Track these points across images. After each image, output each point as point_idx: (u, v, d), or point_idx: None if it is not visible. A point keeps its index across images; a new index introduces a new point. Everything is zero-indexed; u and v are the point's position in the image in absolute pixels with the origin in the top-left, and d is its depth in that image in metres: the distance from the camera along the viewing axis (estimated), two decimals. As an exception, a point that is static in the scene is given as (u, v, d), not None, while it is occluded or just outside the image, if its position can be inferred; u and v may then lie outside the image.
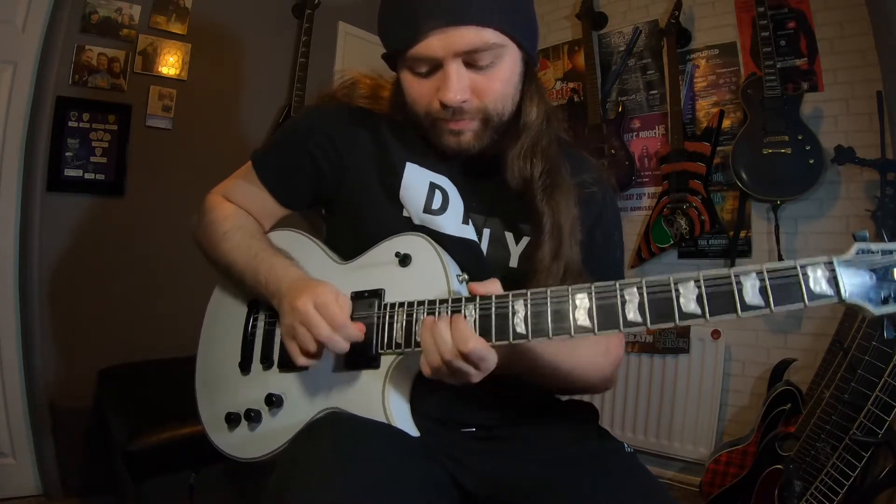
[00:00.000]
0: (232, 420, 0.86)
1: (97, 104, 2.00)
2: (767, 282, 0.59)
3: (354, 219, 0.90)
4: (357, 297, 0.80)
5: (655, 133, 2.51)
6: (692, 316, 0.62)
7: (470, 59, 0.77)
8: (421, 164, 0.88)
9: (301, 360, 0.76)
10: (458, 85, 0.77)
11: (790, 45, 2.13)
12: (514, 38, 0.79)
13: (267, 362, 0.88)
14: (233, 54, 2.33)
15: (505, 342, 0.68)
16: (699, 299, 0.61)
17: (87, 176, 2.00)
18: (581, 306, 0.67)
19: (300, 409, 0.82)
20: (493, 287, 0.72)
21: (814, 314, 2.07)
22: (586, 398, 0.99)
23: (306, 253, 0.91)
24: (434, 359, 0.68)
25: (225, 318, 0.96)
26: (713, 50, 2.35)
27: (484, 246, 0.88)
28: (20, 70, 1.89)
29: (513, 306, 0.69)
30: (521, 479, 0.77)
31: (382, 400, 0.77)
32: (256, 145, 1.03)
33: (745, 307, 0.60)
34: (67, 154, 1.96)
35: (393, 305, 0.78)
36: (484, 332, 0.69)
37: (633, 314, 0.64)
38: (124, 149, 2.06)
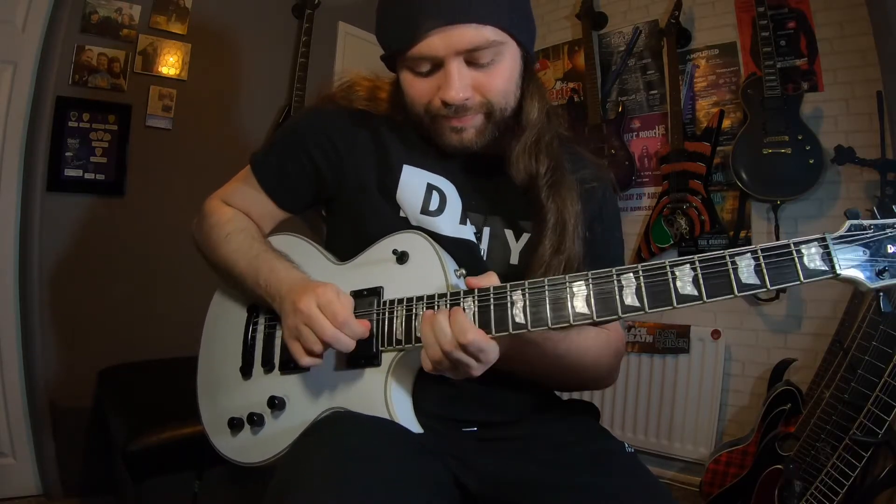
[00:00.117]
0: (235, 425, 0.86)
1: (97, 104, 2.00)
2: (762, 261, 0.60)
3: (354, 219, 0.91)
4: (356, 296, 0.81)
5: (655, 133, 2.51)
6: (690, 298, 0.62)
7: (471, 58, 0.78)
8: (419, 166, 0.89)
9: (305, 360, 0.76)
10: (460, 83, 0.78)
11: (790, 45, 2.13)
12: (513, 35, 0.80)
13: (268, 366, 0.88)
14: (233, 54, 2.33)
15: (505, 333, 0.69)
16: (696, 281, 0.62)
17: (87, 176, 2.00)
18: (579, 294, 0.67)
19: (303, 410, 0.82)
20: (490, 280, 0.72)
21: (814, 314, 2.07)
22: (587, 397, 0.99)
23: (305, 256, 0.91)
24: (434, 352, 0.68)
25: (225, 323, 0.96)
26: (713, 50, 2.35)
27: (484, 244, 0.89)
28: (20, 70, 1.89)
29: (511, 297, 0.69)
30: (522, 479, 0.77)
31: (385, 397, 0.77)
32: (256, 145, 1.03)
33: (742, 287, 0.60)
34: (67, 154, 1.96)
35: (392, 302, 0.78)
36: (483, 324, 0.69)
37: (630, 299, 0.65)
38: (124, 149, 2.06)
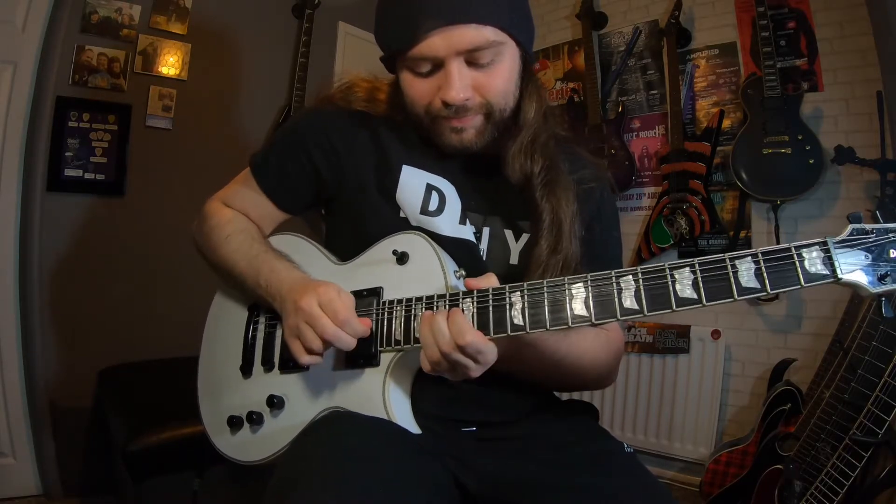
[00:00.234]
0: (234, 423, 0.87)
1: (97, 104, 2.00)
2: (763, 264, 0.59)
3: (354, 219, 0.91)
4: (356, 296, 0.81)
5: (655, 133, 2.51)
6: (689, 301, 0.62)
7: (471, 58, 0.78)
8: (418, 166, 0.89)
9: (304, 359, 0.76)
10: (461, 83, 0.78)
11: (790, 45, 2.13)
12: (512, 35, 0.80)
13: (268, 365, 0.88)
14: (233, 54, 2.33)
15: (503, 334, 0.69)
16: (695, 284, 0.62)
17: (87, 176, 2.00)
18: (578, 296, 0.67)
19: (302, 409, 0.82)
20: (489, 281, 0.72)
21: (814, 314, 2.07)
22: (586, 397, 0.99)
23: (306, 256, 0.92)
24: (433, 353, 0.68)
25: (226, 323, 0.96)
26: (713, 50, 2.35)
27: (484, 244, 0.89)
28: (20, 70, 1.89)
29: (510, 299, 0.69)
30: (521, 479, 0.77)
31: (383, 397, 0.77)
32: (256, 145, 1.03)
33: (742, 290, 0.60)
34: (67, 154, 1.96)
35: (391, 303, 0.78)
36: (482, 326, 0.69)
37: (629, 302, 0.64)
38: (124, 149, 2.06)
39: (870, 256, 0.58)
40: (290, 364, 0.85)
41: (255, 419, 0.84)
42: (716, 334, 2.24)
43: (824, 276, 0.58)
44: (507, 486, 0.77)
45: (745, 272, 0.60)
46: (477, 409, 0.85)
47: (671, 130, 2.32)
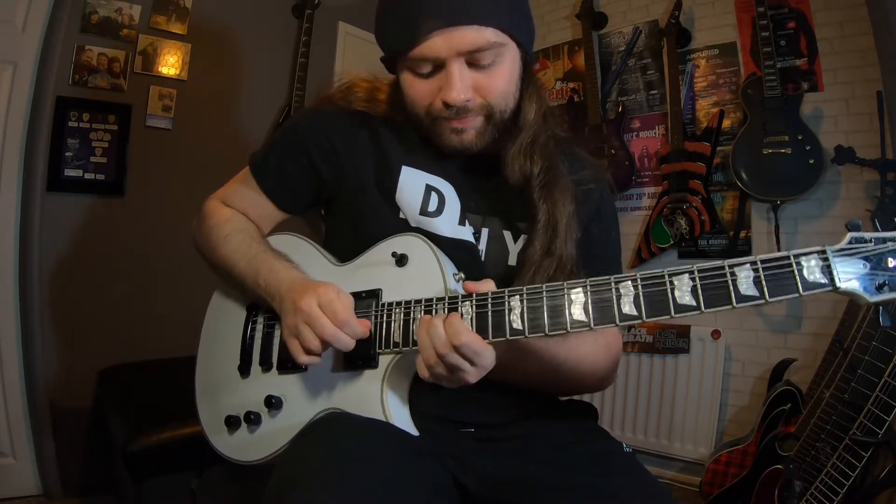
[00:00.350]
0: (231, 423, 0.86)
1: (97, 104, 2.00)
2: (762, 272, 0.60)
3: (354, 220, 0.91)
4: (355, 297, 0.80)
5: (655, 133, 2.51)
6: (688, 308, 0.62)
7: (472, 59, 0.78)
8: (418, 167, 0.89)
9: (303, 359, 0.76)
10: (462, 84, 0.78)
11: (790, 45, 2.13)
12: (513, 36, 0.80)
13: (266, 365, 0.88)
14: (233, 54, 2.33)
15: (502, 338, 0.69)
16: (694, 291, 0.62)
17: (87, 176, 2.00)
18: (577, 301, 0.67)
19: (300, 410, 0.82)
20: (487, 286, 0.72)
21: (814, 314, 2.07)
22: (586, 398, 0.99)
23: (305, 256, 0.92)
24: (429, 355, 0.68)
25: (224, 322, 0.96)
26: (713, 50, 2.35)
27: (483, 245, 0.88)
28: (20, 70, 1.89)
29: (509, 303, 0.69)
30: (521, 479, 0.77)
31: (381, 400, 0.77)
32: (256, 145, 1.03)
33: (741, 298, 0.60)
34: (67, 154, 1.96)
35: (390, 305, 0.78)
36: (481, 330, 0.69)
37: (628, 308, 0.64)
38: (124, 149, 2.06)
39: (868, 265, 0.58)
40: (288, 364, 0.85)
41: (252, 419, 0.84)
42: (716, 334, 2.24)
43: (823, 285, 0.58)
44: (507, 486, 0.77)
45: (744, 280, 0.60)
46: (476, 410, 0.85)
47: (671, 130, 2.32)
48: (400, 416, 0.78)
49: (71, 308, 1.98)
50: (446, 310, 0.73)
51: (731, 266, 0.61)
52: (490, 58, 0.78)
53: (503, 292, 0.70)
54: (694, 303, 0.62)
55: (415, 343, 0.74)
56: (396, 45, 0.80)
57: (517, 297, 0.69)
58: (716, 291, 0.61)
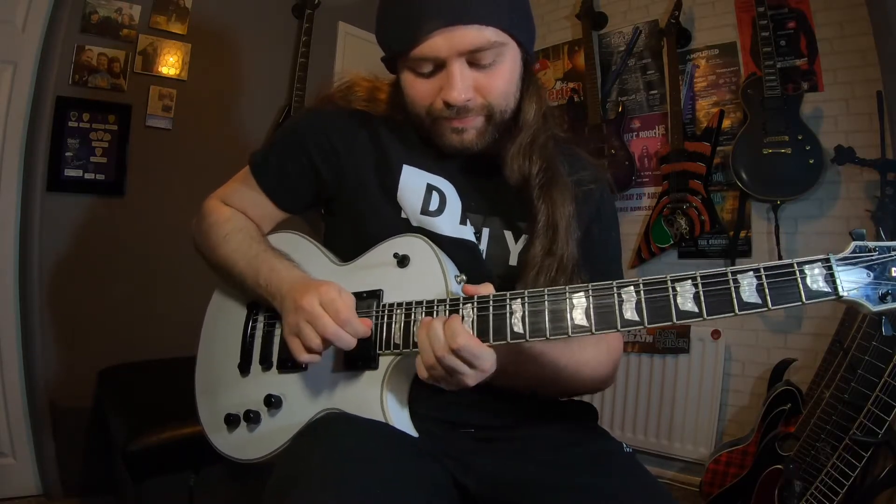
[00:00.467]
0: (231, 421, 0.86)
1: (97, 104, 2.00)
2: (765, 280, 0.59)
3: (354, 219, 0.91)
4: (356, 297, 0.80)
5: (655, 133, 2.51)
6: (690, 315, 0.62)
7: (473, 59, 0.78)
8: (419, 166, 0.89)
9: (303, 357, 0.76)
10: (462, 84, 0.78)
11: (790, 45, 2.13)
12: (513, 35, 0.80)
13: (266, 363, 0.88)
14: (233, 54, 2.33)
15: (503, 342, 0.68)
16: (696, 298, 0.62)
17: (87, 176, 2.00)
18: (579, 306, 0.67)
19: (299, 409, 0.82)
20: (487, 290, 0.72)
21: (814, 314, 2.07)
22: (586, 398, 0.99)
23: (306, 255, 0.91)
24: (428, 357, 0.68)
25: (224, 321, 0.96)
26: (713, 50, 2.35)
27: (484, 245, 0.88)
28: (20, 70, 1.89)
29: (510, 306, 0.69)
30: (521, 479, 0.77)
31: (381, 401, 0.77)
32: (256, 145, 1.03)
33: (743, 305, 0.60)
34: (67, 154, 1.96)
35: (391, 306, 0.78)
36: (482, 333, 0.69)
37: (630, 313, 0.64)
38: (124, 149, 2.06)
39: (871, 275, 0.58)
40: (288, 363, 0.85)
41: (252, 418, 0.84)
42: (716, 334, 2.24)
43: (826, 294, 0.58)
44: (507, 487, 0.77)
45: (747, 287, 0.60)
46: (475, 410, 0.85)
47: (671, 130, 2.32)
48: (399, 418, 0.78)
49: (71, 308, 1.98)
50: (447, 312, 0.72)
51: (734, 273, 0.61)
52: (491, 57, 0.79)
53: (505, 295, 0.70)
54: (696, 309, 0.61)
55: (415, 345, 0.73)
56: (397, 45, 0.80)
57: (519, 300, 0.69)
58: (718, 298, 0.61)
